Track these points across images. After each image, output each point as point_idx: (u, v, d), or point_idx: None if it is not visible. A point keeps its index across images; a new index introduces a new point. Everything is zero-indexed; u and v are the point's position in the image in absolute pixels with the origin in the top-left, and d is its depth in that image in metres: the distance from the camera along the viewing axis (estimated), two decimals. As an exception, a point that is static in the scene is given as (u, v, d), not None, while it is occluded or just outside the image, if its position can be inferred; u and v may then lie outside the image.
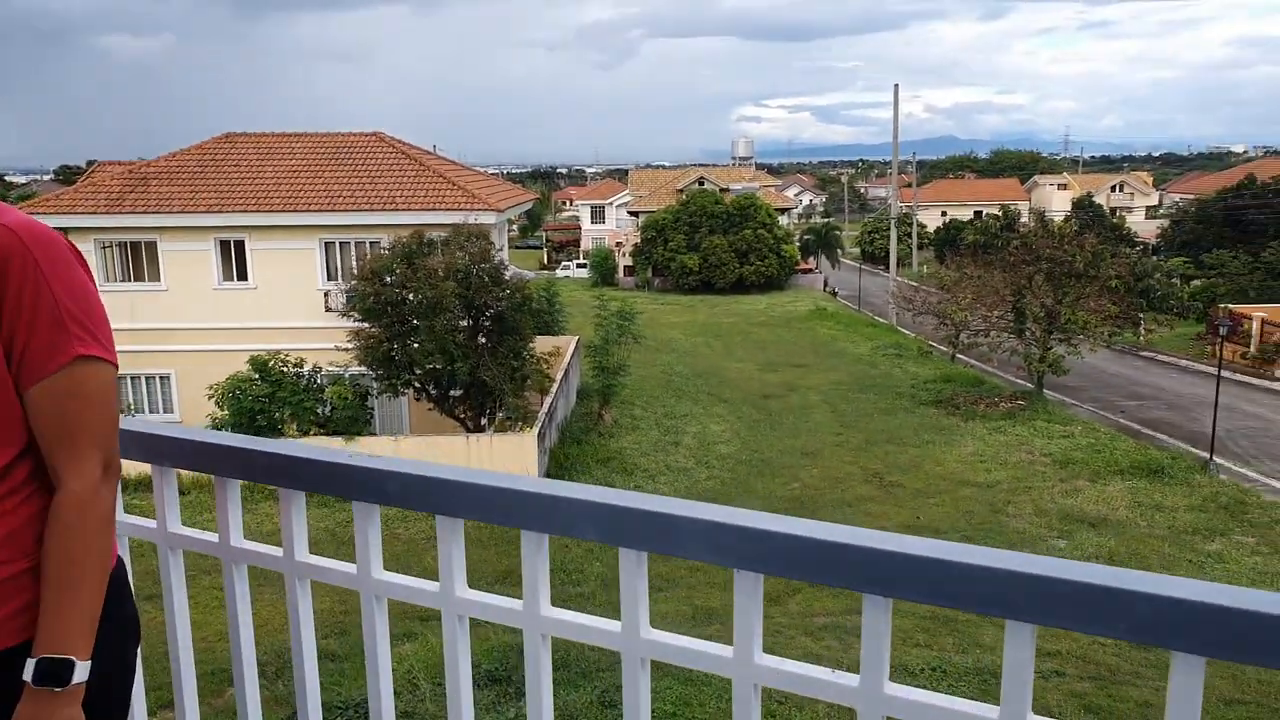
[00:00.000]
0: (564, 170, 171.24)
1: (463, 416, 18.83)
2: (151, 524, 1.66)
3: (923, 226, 64.57)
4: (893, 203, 51.62)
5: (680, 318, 39.41)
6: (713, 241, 46.86)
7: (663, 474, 19.17)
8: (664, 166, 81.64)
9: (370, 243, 19.98)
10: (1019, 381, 26.84)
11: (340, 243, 20.36)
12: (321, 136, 22.38)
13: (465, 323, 17.76)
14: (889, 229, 49.30)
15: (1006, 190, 76.97)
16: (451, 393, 18.38)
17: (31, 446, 1.29)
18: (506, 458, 17.38)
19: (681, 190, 51.23)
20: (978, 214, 66.48)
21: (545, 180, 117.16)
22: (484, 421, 18.84)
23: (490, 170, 40.01)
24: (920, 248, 61.00)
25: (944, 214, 70.62)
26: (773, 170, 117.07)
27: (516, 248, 42.06)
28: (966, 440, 21.00)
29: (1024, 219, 50.68)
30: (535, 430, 17.58)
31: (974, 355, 28.60)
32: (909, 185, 67.86)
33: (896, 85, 46.25)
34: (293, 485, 1.47)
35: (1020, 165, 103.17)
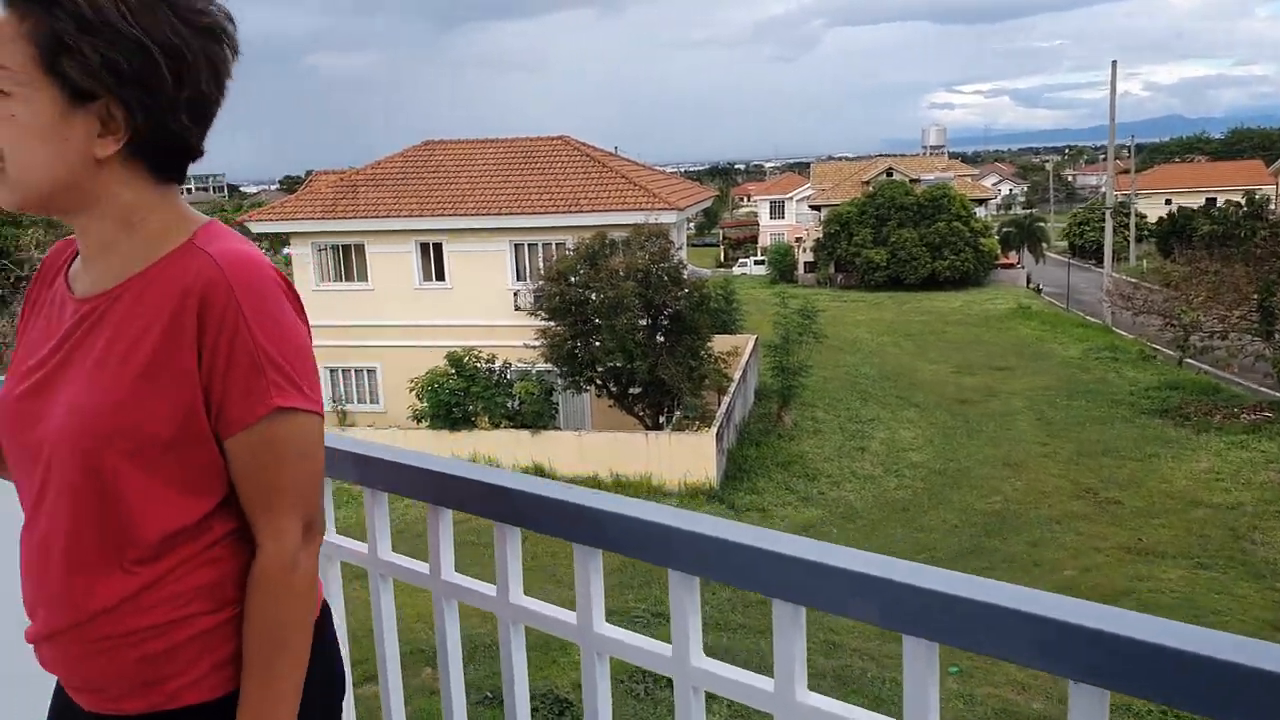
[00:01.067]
0: (741, 166, 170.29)
1: (642, 414, 19.07)
2: (363, 548, 1.64)
3: (1141, 216, 59.09)
4: (1107, 191, 47.59)
5: (866, 315, 38.16)
6: (902, 235, 45.08)
7: (848, 480, 18.59)
8: (847, 158, 79.40)
9: (556, 244, 20.57)
10: (1265, 391, 24.07)
11: (529, 244, 21.11)
12: (511, 142, 23.25)
13: (644, 322, 17.95)
14: (1102, 219, 45.61)
15: (1248, 173, 68.72)
16: (631, 390, 18.65)
17: (234, 495, 1.21)
18: (684, 457, 17.43)
19: (868, 182, 49.62)
20: (1210, 201, 60.07)
21: (723, 177, 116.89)
22: (662, 420, 19.00)
23: (669, 169, 40.32)
24: (1139, 240, 56.13)
25: (1168, 202, 64.50)
26: (967, 159, 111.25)
27: (693, 245, 42.21)
28: (1200, 455, 18.91)
29: (1273, 206, 45.52)
30: (713, 430, 17.54)
31: (1207, 360, 25.91)
32: (1126, 171, 62.49)
33: (1114, 62, 42.22)
34: (508, 520, 1.42)
35: (1266, 145, 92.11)
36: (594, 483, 17.88)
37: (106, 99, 1.09)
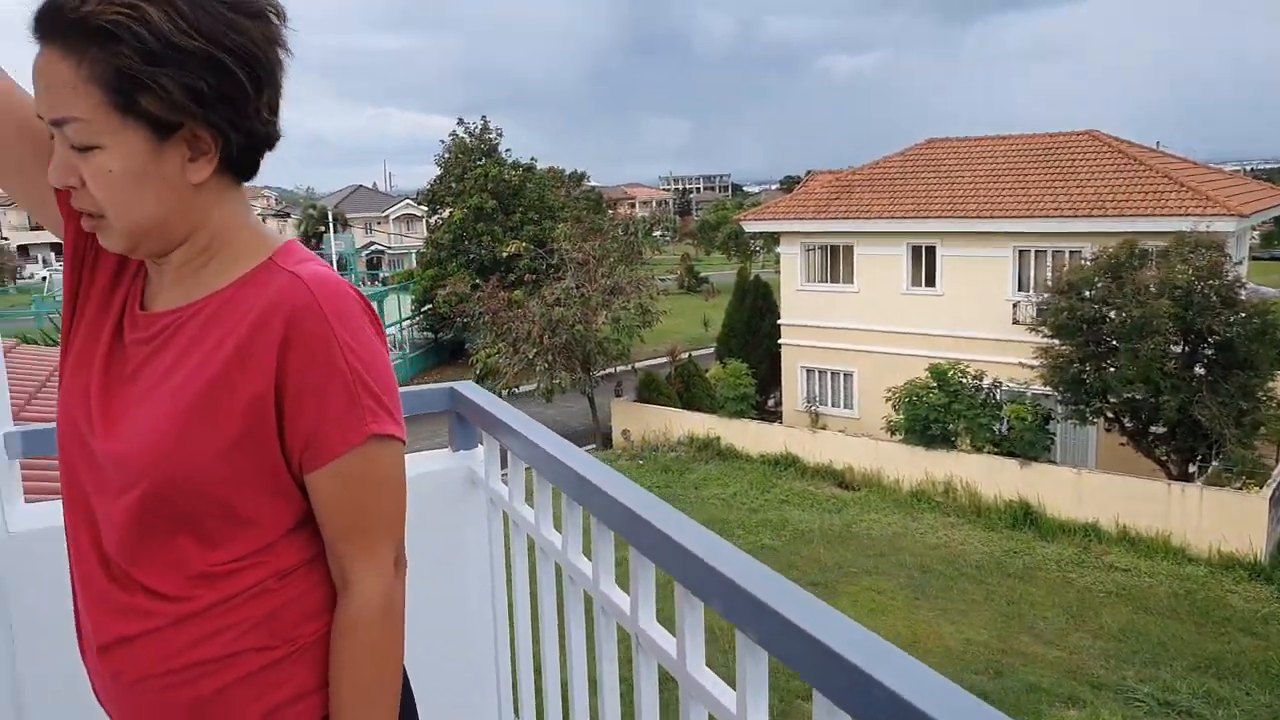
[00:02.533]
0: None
1: (1164, 459, 16.01)
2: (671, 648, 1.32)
3: None
4: None
5: None
6: None
7: None
8: None
9: (1070, 252, 18.14)
10: None
11: (1036, 251, 18.91)
12: (1025, 138, 21.11)
13: (1179, 348, 14.99)
14: None
15: None
16: (1152, 429, 15.73)
17: (300, 524, 1.14)
18: (1220, 518, 14.24)
19: None
20: None
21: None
22: (1192, 469, 15.76)
23: (1231, 167, 33.83)
24: None
25: None
26: None
27: (1257, 258, 34.85)
28: None
29: None
30: (1268, 492, 14.04)
31: None
32: None
33: None
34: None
35: None
36: (1094, 532, 15.40)
37: (191, 125, 1.03)
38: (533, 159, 39.15)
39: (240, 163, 1.09)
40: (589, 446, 21.79)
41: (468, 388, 2.09)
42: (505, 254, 29.73)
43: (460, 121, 38.40)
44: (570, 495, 1.56)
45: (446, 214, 37.50)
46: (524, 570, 1.91)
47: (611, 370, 23.32)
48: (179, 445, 1.06)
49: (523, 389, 22.60)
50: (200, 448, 1.06)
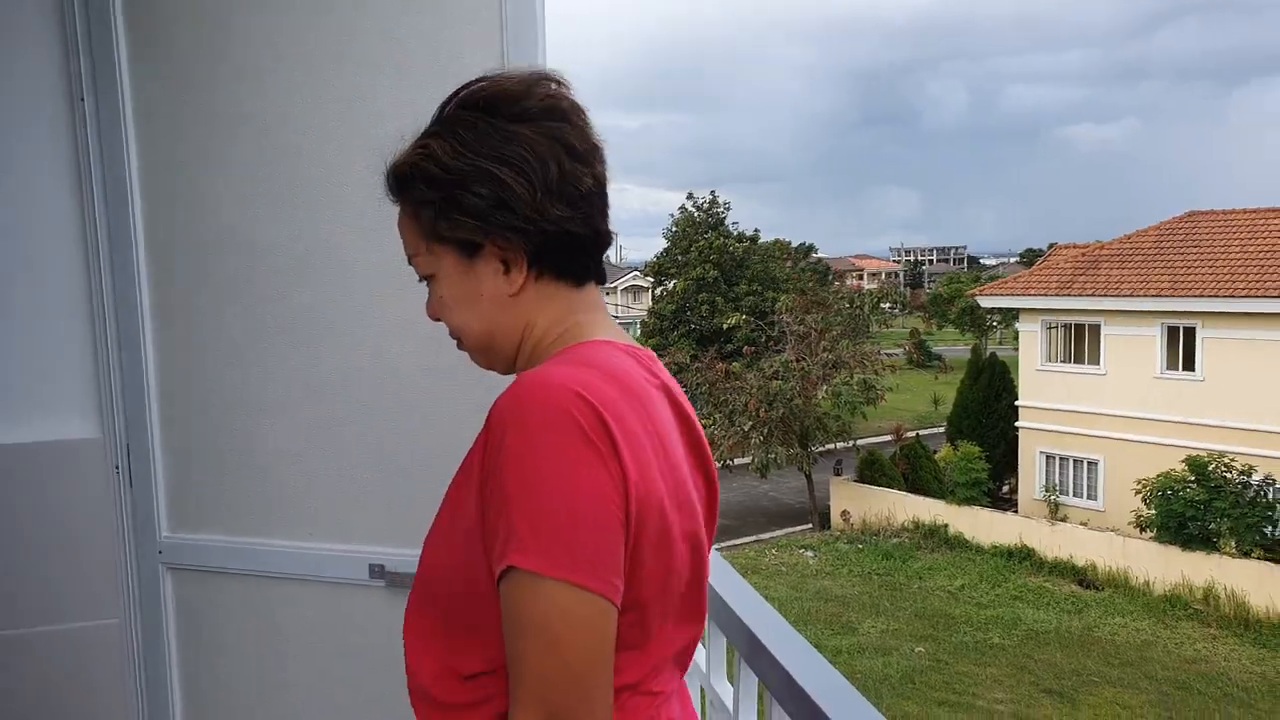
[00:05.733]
0: None
1: None
2: None
3: None
4: None
5: None
6: None
7: None
8: None
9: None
10: None
11: (1317, 333, 16.90)
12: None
13: None
14: None
15: None
16: None
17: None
18: None
19: None
20: None
21: None
22: None
23: None
24: None
25: None
26: None
27: None
28: None
29: None
30: None
31: None
32: None
33: None
34: None
35: None
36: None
37: (490, 238, 1.06)
38: (756, 230, 39.73)
39: (557, 264, 1.09)
40: (804, 526, 21.47)
41: None
42: (726, 325, 30.25)
43: (689, 196, 39.79)
44: (741, 654, 1.41)
45: (670, 285, 38.76)
46: None
47: (831, 447, 22.92)
48: (431, 559, 1.07)
49: (737, 462, 22.65)
50: (440, 564, 1.06)
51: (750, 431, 21.29)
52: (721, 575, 1.48)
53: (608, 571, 0.93)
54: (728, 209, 39.90)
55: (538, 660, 0.92)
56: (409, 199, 1.09)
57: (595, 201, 1.09)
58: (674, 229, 39.44)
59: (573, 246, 1.08)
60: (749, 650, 1.38)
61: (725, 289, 36.94)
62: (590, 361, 1.02)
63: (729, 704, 1.51)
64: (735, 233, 38.97)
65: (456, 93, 1.10)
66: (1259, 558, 15.30)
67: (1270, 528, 15.51)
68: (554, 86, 1.09)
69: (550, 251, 1.07)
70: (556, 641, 0.92)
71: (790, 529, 21.69)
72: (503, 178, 1.03)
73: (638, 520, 0.96)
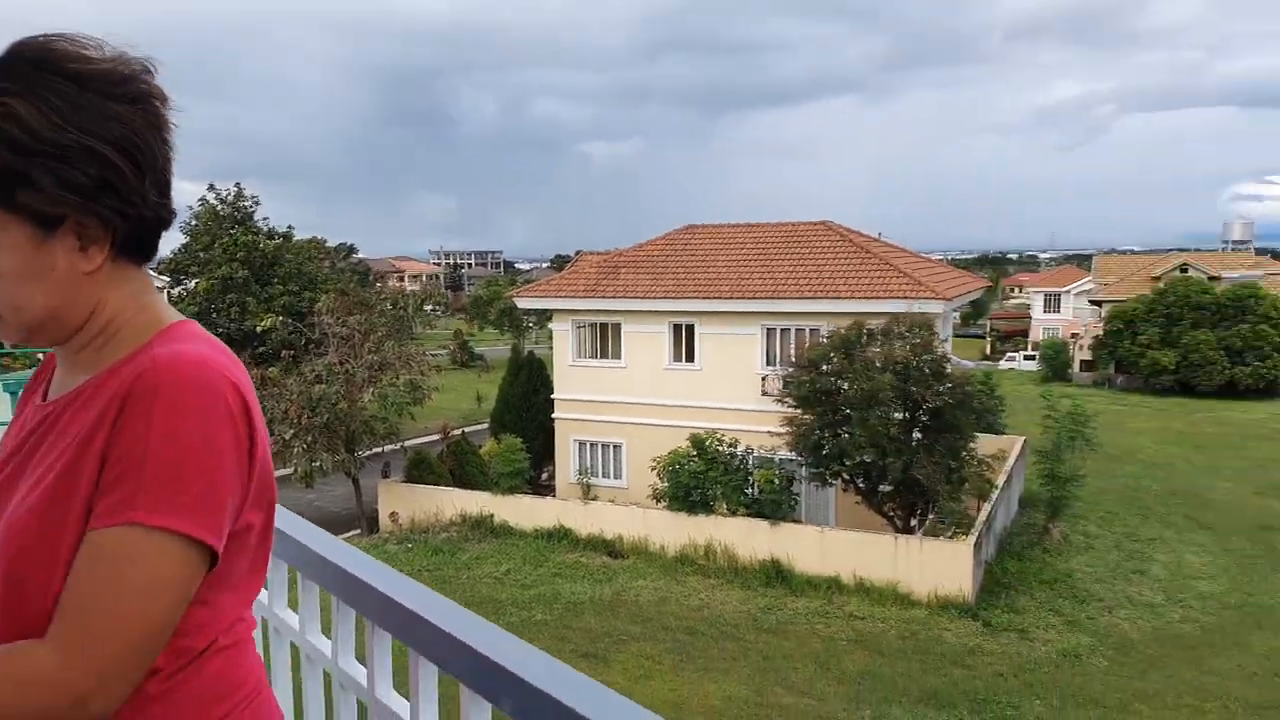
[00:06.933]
0: (1014, 256, 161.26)
1: (891, 514, 17.88)
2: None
3: None
4: None
5: (1149, 423, 34.25)
6: (1196, 337, 40.33)
7: (1122, 607, 16.40)
8: (1134, 252, 72.87)
9: (810, 330, 20.09)
10: None
11: (781, 329, 20.76)
12: (772, 226, 23.17)
13: (900, 416, 16.94)
14: None
15: None
16: (881, 488, 17.57)
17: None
18: (937, 565, 16.08)
19: (1158, 278, 45.10)
20: None
21: (993, 266, 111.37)
22: (914, 522, 17.70)
23: (937, 256, 38.70)
24: None
25: None
26: (1279, 256, 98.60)
27: (957, 335, 40.00)
28: None
29: None
30: (971, 539, 16.05)
31: None
32: None
33: None
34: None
35: None
36: (836, 585, 16.86)
37: (75, 215, 1.01)
38: (290, 227, 37.79)
39: (135, 245, 1.08)
40: (354, 533, 21.01)
41: None
42: (259, 328, 28.36)
43: (211, 187, 36.51)
44: (340, 598, 1.50)
45: (192, 284, 35.32)
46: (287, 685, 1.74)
47: (380, 450, 22.73)
48: (29, 537, 1.00)
49: (280, 473, 21.45)
50: (44, 539, 1.00)
51: (292, 440, 20.22)
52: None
53: (222, 532, 1.01)
54: (256, 204, 37.33)
55: (125, 612, 0.94)
56: None
57: (171, 185, 1.10)
58: (194, 223, 35.92)
59: (157, 231, 1.10)
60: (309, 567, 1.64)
61: (257, 289, 34.57)
62: (211, 341, 1.09)
63: (294, 624, 1.73)
64: (266, 229, 36.64)
65: (18, 49, 1.01)
66: (743, 515, 18.37)
67: (749, 489, 18.68)
68: (144, 65, 1.07)
69: (134, 236, 1.07)
70: (154, 599, 0.96)
71: (338, 537, 21.04)
72: (112, 159, 1.00)
73: (261, 483, 1.08)
